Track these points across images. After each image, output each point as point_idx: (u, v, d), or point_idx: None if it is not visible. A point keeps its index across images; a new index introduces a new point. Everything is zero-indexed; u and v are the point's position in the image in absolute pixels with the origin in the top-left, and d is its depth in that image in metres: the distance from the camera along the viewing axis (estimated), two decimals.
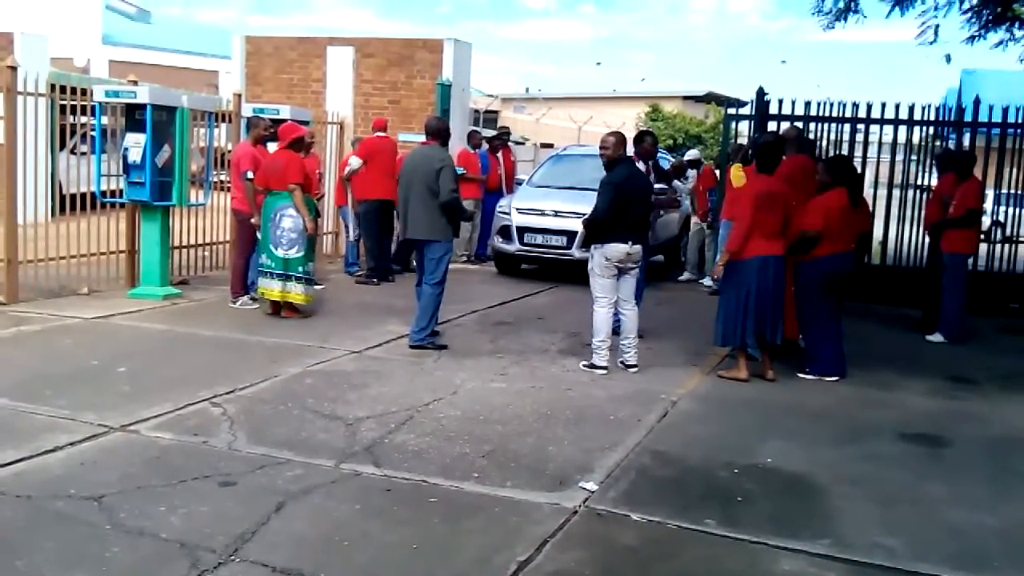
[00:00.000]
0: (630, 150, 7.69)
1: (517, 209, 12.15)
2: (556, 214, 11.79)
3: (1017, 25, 10.42)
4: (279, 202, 8.65)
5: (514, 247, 12.12)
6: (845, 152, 10.89)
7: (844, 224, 7.37)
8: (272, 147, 9.32)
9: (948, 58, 10.52)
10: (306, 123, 11.03)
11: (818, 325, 7.43)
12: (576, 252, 11.22)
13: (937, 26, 10.12)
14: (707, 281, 12.06)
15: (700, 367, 7.67)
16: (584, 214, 10.40)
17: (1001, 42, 10.81)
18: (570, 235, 11.43)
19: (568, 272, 11.42)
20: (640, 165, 8.06)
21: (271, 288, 8.72)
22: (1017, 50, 10.82)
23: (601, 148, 7.39)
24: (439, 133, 7.98)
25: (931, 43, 10.19)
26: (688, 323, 9.11)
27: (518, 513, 4.47)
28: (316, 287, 9.73)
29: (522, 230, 12.00)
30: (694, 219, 13.14)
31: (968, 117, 11.15)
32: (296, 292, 8.74)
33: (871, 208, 10.04)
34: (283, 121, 10.82)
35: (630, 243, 7.20)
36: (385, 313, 9.19)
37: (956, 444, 5.98)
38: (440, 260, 7.82)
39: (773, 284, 7.13)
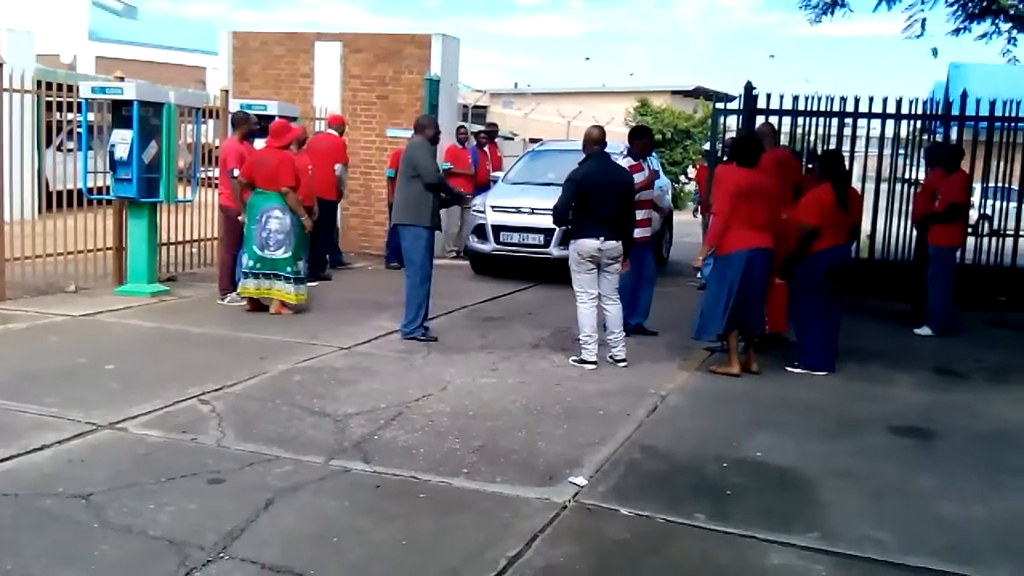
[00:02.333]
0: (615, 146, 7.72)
1: (492, 207, 11.77)
2: (533, 211, 11.39)
3: (1002, 17, 10.45)
4: (265, 203, 8.61)
5: (490, 247, 11.73)
6: (833, 146, 10.91)
7: (837, 218, 7.39)
8: (259, 143, 9.28)
9: (935, 52, 10.55)
10: (294, 119, 11.01)
11: (811, 319, 7.44)
12: (555, 251, 10.99)
13: (924, 19, 10.15)
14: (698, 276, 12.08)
15: (689, 361, 7.68)
16: None
17: (986, 34, 10.84)
18: (547, 233, 11.12)
19: (548, 271, 11.26)
20: (624, 161, 8.02)
21: (248, 287, 8.70)
22: (1001, 43, 10.87)
23: None
24: (421, 128, 8.10)
25: (918, 36, 10.22)
26: (677, 318, 9.10)
27: (508, 508, 4.46)
28: (310, 284, 9.72)
29: (498, 229, 11.62)
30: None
31: (956, 111, 11.19)
32: (285, 291, 8.70)
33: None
34: (271, 117, 10.83)
35: (601, 239, 7.19)
36: (375, 309, 9.18)
37: (945, 437, 6.00)
38: (412, 246, 7.90)
39: (758, 277, 7.14)
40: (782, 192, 7.57)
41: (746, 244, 7.07)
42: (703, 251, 7.44)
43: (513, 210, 11.61)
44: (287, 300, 8.75)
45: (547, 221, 10.84)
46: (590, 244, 7.21)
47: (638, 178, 7.94)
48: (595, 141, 7.41)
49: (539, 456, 5.21)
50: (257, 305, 8.76)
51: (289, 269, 8.69)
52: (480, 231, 11.82)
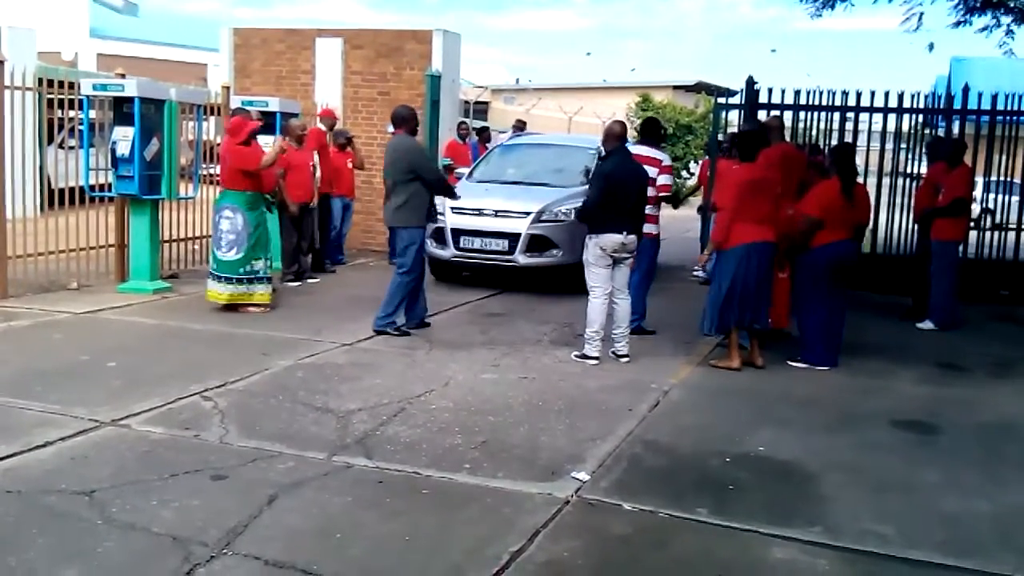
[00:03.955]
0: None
1: (452, 209, 10.27)
2: (496, 214, 10.30)
3: (1002, 11, 10.44)
4: (221, 202, 8.62)
5: (449, 252, 10.41)
6: (835, 141, 10.90)
7: (842, 213, 7.37)
8: (265, 140, 9.26)
9: (931, 46, 10.55)
10: (295, 115, 11.02)
11: (813, 314, 7.43)
12: (521, 258, 10.16)
13: (921, 14, 10.16)
14: (698, 272, 12.06)
15: (692, 356, 7.68)
16: (530, 213, 10.05)
17: (986, 27, 10.85)
18: (512, 238, 10.14)
19: (515, 279, 10.49)
20: (665, 156, 8.25)
21: (213, 290, 8.59)
22: (1000, 35, 10.88)
23: None
24: (403, 121, 8.07)
25: (915, 30, 10.23)
26: (679, 313, 9.11)
27: (510, 504, 4.47)
28: (311, 280, 9.69)
29: (458, 233, 10.33)
30: None
31: (957, 105, 11.17)
32: (224, 293, 8.53)
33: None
34: (273, 114, 10.84)
35: (624, 233, 7.22)
36: (377, 305, 9.15)
37: (947, 431, 6.00)
38: (407, 248, 7.96)
39: (762, 270, 7.14)
40: (788, 187, 7.56)
41: (748, 239, 7.08)
42: (708, 249, 7.44)
43: (475, 212, 10.33)
44: (228, 301, 8.53)
45: (512, 224, 10.22)
46: (615, 238, 7.22)
47: (664, 180, 8.18)
48: (617, 136, 7.49)
49: (541, 451, 5.22)
50: (232, 306, 8.61)
51: (241, 270, 8.50)
52: (439, 235, 10.42)
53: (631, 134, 8.49)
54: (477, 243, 10.34)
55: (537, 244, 10.13)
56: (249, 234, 8.53)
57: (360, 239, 13.41)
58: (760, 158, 7.32)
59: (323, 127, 11.45)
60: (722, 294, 7.16)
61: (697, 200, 13.97)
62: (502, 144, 13.12)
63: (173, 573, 3.64)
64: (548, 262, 10.19)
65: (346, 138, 11.70)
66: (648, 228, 7.79)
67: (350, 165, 11.63)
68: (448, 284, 10.55)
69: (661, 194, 8.20)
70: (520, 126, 15.66)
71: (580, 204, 9.60)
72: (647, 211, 7.70)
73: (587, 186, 10.15)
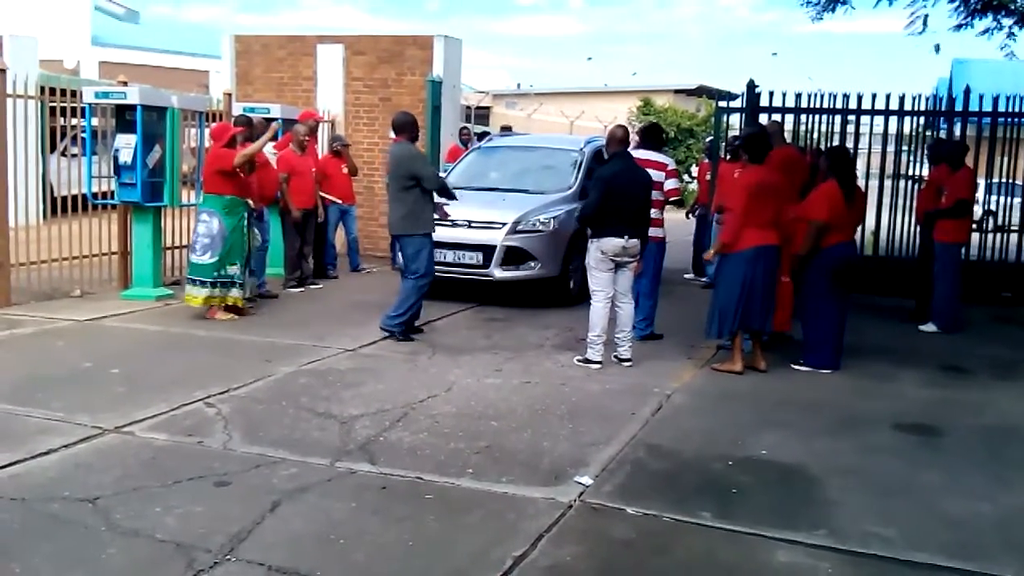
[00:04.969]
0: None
1: None
2: (470, 224, 9.51)
3: (1003, 13, 10.45)
4: (200, 206, 8.64)
5: None
6: (836, 143, 10.89)
7: (844, 215, 7.38)
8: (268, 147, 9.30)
9: (937, 48, 10.55)
10: (295, 122, 11.01)
11: (819, 317, 7.42)
12: (497, 271, 9.52)
13: (926, 16, 10.15)
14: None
15: (694, 360, 7.67)
16: (505, 223, 9.53)
17: (987, 30, 10.86)
18: (487, 250, 9.46)
19: (492, 294, 9.90)
20: (670, 161, 8.30)
21: (189, 293, 8.54)
22: (1001, 38, 10.89)
23: None
24: (405, 127, 8.05)
25: (920, 33, 10.22)
26: (682, 317, 9.11)
27: (514, 508, 4.47)
28: (313, 287, 9.66)
29: None
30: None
31: (959, 107, 11.17)
32: (200, 296, 8.46)
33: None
34: (275, 120, 10.84)
35: (626, 237, 7.22)
36: (379, 311, 9.14)
37: (951, 433, 5.99)
38: (417, 254, 7.96)
39: (766, 274, 7.15)
40: (790, 190, 7.57)
41: (752, 242, 7.08)
42: (715, 249, 7.44)
43: (447, 223, 9.06)
44: (195, 304, 8.48)
45: (487, 235, 9.49)
46: (616, 242, 7.23)
47: (672, 184, 8.21)
48: (620, 141, 7.49)
49: (544, 456, 5.22)
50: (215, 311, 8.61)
51: (215, 274, 8.43)
52: None
53: (632, 138, 8.46)
54: (449, 256, 9.49)
55: (514, 257, 9.50)
56: (224, 238, 8.45)
57: (361, 245, 13.41)
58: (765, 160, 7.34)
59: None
60: (728, 298, 7.16)
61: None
62: (480, 146, 12.21)
63: None
64: (526, 275, 9.61)
65: (342, 144, 11.64)
66: (653, 232, 7.77)
67: (344, 171, 11.59)
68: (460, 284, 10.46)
69: (672, 199, 8.20)
70: (506, 131, 15.52)
71: (559, 212, 9.64)
72: (652, 215, 7.71)
73: (567, 192, 10.16)
